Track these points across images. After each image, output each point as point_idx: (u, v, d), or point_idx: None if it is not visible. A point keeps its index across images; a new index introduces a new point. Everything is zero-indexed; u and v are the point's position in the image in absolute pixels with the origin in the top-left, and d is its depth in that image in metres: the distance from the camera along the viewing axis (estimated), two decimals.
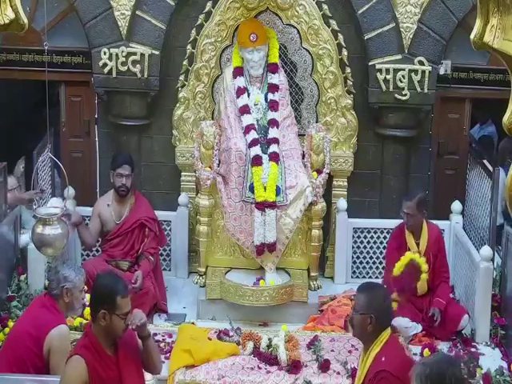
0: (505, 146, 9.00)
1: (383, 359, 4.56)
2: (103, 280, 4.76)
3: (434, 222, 7.49)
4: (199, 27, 8.08)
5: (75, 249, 8.06)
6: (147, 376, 5.24)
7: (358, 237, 8.19)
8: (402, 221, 7.31)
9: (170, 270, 8.25)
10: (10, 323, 6.63)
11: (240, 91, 7.65)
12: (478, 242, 7.87)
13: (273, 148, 7.51)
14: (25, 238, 7.23)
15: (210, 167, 7.68)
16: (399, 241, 7.23)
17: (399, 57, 8.05)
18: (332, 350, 6.72)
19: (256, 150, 7.45)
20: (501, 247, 7.42)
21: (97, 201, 7.86)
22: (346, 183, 8.29)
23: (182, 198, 8.15)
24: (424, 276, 7.09)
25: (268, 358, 6.54)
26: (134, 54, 8.07)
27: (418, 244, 7.19)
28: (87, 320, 6.74)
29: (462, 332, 7.15)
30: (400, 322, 6.93)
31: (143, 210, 7.59)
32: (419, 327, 7.05)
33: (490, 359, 6.81)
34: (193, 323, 7.24)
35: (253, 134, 7.52)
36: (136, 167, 8.01)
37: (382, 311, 4.63)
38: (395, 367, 4.54)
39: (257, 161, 7.40)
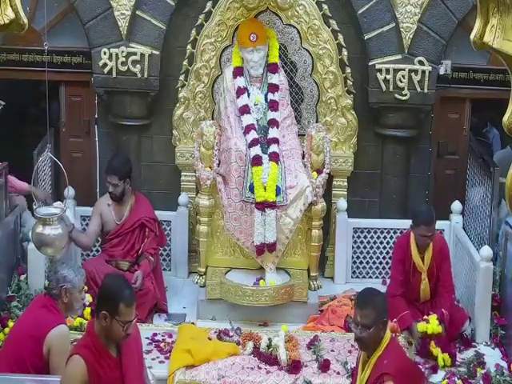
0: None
1: (385, 362, 4.57)
2: (113, 282, 4.73)
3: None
4: (199, 27, 8.08)
5: (75, 249, 8.05)
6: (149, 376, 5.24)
7: (358, 237, 8.19)
8: (409, 224, 7.25)
9: (170, 270, 8.25)
10: (10, 323, 6.64)
11: (240, 91, 7.65)
12: (478, 242, 7.87)
13: (273, 148, 7.51)
14: (26, 229, 7.24)
15: (210, 167, 7.68)
16: (404, 253, 7.08)
17: (399, 57, 8.05)
18: (332, 350, 6.72)
19: (256, 150, 7.44)
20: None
21: (97, 200, 7.86)
22: (345, 183, 8.28)
23: (182, 198, 8.15)
24: (425, 283, 7.06)
25: (268, 358, 6.54)
26: (134, 54, 8.07)
27: (422, 258, 7.04)
28: (87, 320, 6.75)
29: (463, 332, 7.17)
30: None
31: (143, 210, 7.59)
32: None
33: (490, 359, 6.81)
34: (193, 323, 7.23)
35: (253, 134, 7.52)
36: (136, 167, 8.02)
37: (386, 311, 4.71)
38: (397, 370, 4.55)
39: (257, 161, 7.40)
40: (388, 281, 7.56)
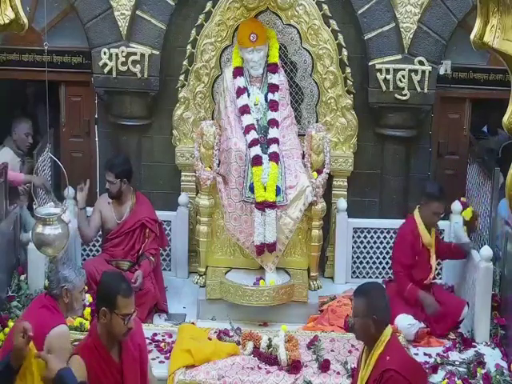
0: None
1: (388, 358, 4.57)
2: (107, 278, 4.79)
3: None
4: (199, 27, 8.08)
5: (75, 249, 8.06)
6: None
7: (358, 237, 8.19)
8: (402, 221, 7.35)
9: (170, 270, 8.25)
10: (10, 323, 6.64)
11: (240, 91, 7.65)
12: (478, 241, 7.87)
13: (273, 148, 7.51)
14: (26, 234, 7.23)
15: (210, 167, 7.68)
16: (413, 237, 7.20)
17: (399, 57, 8.06)
18: (332, 350, 6.72)
19: (256, 150, 7.45)
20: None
21: (98, 197, 7.86)
22: (345, 183, 8.28)
23: (182, 198, 8.15)
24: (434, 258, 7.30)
25: (268, 358, 6.54)
26: (134, 54, 8.07)
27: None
28: (87, 320, 6.75)
29: (462, 332, 7.17)
30: (403, 320, 6.95)
31: (144, 210, 7.59)
32: (420, 325, 7.06)
33: (490, 359, 6.81)
34: (193, 323, 7.23)
35: (253, 134, 7.52)
36: (136, 167, 8.03)
37: (381, 310, 4.63)
38: (400, 366, 4.55)
39: (257, 161, 7.40)
40: (387, 281, 7.59)
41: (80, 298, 5.65)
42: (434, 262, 7.29)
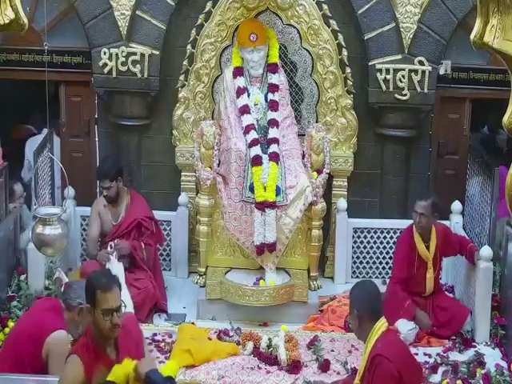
0: None
1: (379, 346, 4.65)
2: (93, 274, 4.84)
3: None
4: (199, 27, 8.08)
5: (75, 249, 8.07)
6: None
7: (358, 237, 8.19)
8: (409, 223, 7.29)
9: (170, 270, 8.25)
10: (10, 323, 6.65)
11: (240, 91, 7.65)
12: (478, 241, 7.87)
13: (273, 148, 7.51)
14: (26, 235, 7.23)
15: (210, 167, 7.68)
16: (408, 247, 7.15)
17: (399, 57, 8.06)
18: (332, 350, 6.73)
19: (256, 150, 7.45)
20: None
21: (95, 201, 7.84)
22: (345, 183, 8.28)
23: (182, 198, 8.15)
24: (431, 271, 7.14)
25: (268, 358, 6.54)
26: (134, 54, 8.07)
27: (427, 247, 7.15)
28: None
29: (462, 332, 7.17)
30: (403, 325, 6.94)
31: (139, 209, 7.57)
32: (417, 328, 7.05)
33: (490, 359, 6.81)
34: (193, 323, 7.24)
35: (253, 134, 7.52)
36: (136, 167, 8.01)
37: (364, 305, 4.79)
38: (391, 352, 4.62)
39: (257, 161, 7.40)
40: (388, 280, 7.58)
41: (86, 323, 5.60)
42: (431, 275, 7.16)
